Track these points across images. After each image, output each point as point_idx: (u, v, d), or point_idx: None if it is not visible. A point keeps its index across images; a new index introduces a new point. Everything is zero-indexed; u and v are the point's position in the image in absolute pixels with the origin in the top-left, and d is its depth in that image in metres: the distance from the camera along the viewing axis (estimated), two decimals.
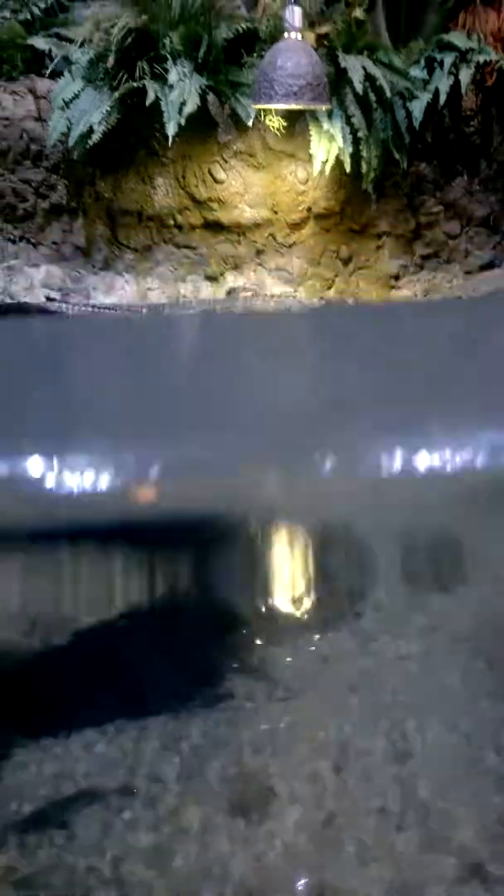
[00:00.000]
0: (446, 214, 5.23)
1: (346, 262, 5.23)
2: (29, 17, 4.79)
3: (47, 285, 5.30)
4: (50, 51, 4.71)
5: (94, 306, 5.10)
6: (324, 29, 4.65)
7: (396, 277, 5.33)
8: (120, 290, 5.31)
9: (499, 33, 4.68)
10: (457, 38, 4.72)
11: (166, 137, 4.51)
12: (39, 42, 4.70)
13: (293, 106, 4.35)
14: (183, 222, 5.09)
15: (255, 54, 4.75)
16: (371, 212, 5.12)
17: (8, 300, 5.20)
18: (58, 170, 5.03)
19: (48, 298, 5.19)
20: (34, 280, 5.30)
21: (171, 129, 4.46)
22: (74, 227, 5.19)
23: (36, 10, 4.79)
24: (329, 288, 5.24)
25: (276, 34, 4.56)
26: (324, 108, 4.51)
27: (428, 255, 5.32)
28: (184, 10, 4.64)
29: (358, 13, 4.67)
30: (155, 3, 4.63)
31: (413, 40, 4.93)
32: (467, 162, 5.10)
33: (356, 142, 4.69)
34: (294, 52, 4.21)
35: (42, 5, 4.78)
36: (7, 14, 4.75)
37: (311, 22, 4.61)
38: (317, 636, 2.04)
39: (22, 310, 5.11)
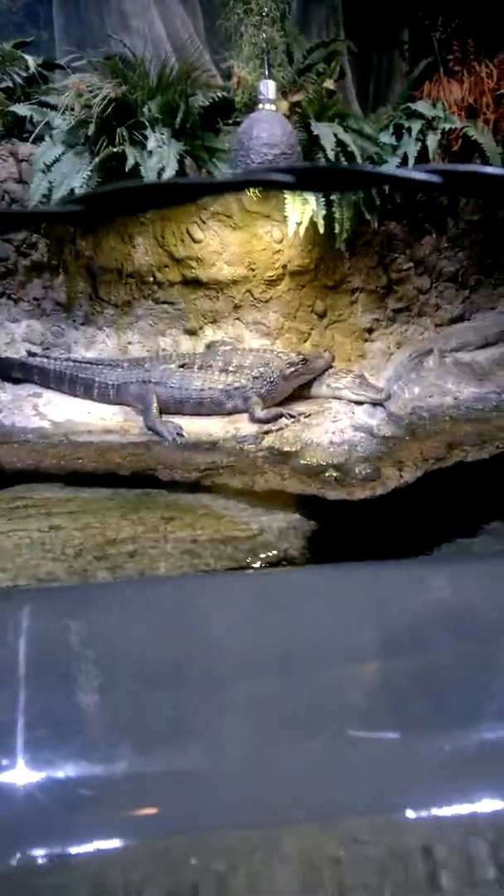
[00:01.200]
0: (416, 271, 5.43)
1: (322, 316, 5.39)
2: (10, 84, 4.94)
3: (28, 340, 5.39)
4: (31, 117, 4.85)
5: (74, 360, 5.18)
6: (296, 98, 4.83)
7: (370, 330, 5.50)
8: (101, 345, 5.42)
9: (462, 103, 4.91)
10: (423, 106, 4.94)
11: None
12: (21, 109, 4.84)
13: None
14: (162, 279, 5.22)
15: (230, 121, 4.94)
16: (344, 269, 5.30)
17: None
18: (39, 229, 5.15)
19: (29, 353, 5.27)
20: (15, 335, 5.39)
21: None
22: (55, 283, 5.30)
23: (17, 79, 4.93)
24: (305, 341, 5.39)
25: (250, 102, 4.76)
26: None
27: (400, 309, 5.51)
28: (161, 79, 4.82)
29: (329, 83, 4.87)
30: (133, 73, 4.79)
31: (381, 108, 5.17)
32: (436, 221, 5.31)
33: (329, 204, 4.86)
34: (269, 123, 4.39)
35: (23, 74, 4.93)
36: None
37: (283, 91, 4.81)
38: None
39: (3, 364, 5.20)
